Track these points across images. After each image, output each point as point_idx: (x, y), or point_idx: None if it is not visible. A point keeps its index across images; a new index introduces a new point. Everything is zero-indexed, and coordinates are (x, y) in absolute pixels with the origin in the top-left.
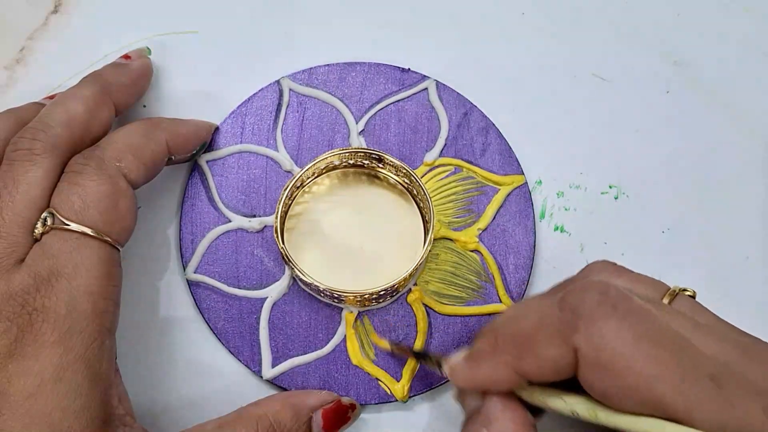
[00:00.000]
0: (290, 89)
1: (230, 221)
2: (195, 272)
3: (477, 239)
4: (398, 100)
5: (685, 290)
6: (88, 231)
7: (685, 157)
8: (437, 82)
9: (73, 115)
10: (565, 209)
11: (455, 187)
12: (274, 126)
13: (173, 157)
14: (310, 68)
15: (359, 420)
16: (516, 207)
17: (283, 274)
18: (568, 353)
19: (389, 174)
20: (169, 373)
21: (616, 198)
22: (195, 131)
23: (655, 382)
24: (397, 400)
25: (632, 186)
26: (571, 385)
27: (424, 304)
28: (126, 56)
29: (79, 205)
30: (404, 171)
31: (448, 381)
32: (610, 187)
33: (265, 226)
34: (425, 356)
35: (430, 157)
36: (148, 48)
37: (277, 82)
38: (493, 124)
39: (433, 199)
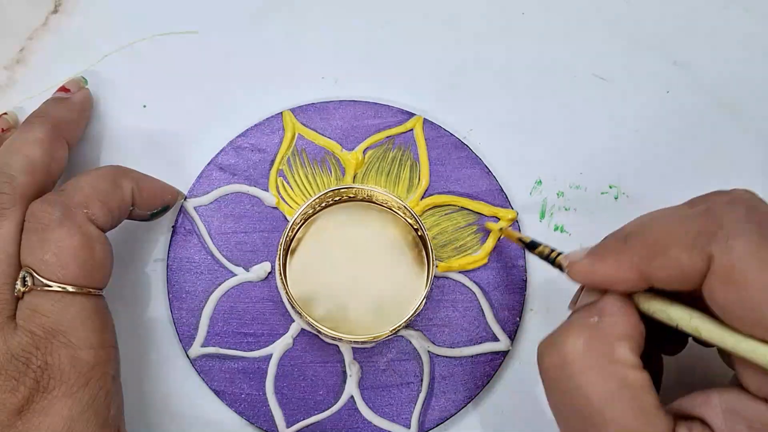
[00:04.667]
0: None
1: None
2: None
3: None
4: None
5: None
6: (71, 288)
7: (685, 157)
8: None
9: (32, 160)
10: (565, 209)
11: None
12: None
13: (132, 209)
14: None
15: None
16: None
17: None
18: (701, 261)
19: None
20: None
21: (616, 198)
22: (161, 190)
23: None
24: None
25: (632, 186)
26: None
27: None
28: (64, 89)
29: (57, 264)
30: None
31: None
32: (610, 187)
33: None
34: (535, 246)
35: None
36: (84, 78)
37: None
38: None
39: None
